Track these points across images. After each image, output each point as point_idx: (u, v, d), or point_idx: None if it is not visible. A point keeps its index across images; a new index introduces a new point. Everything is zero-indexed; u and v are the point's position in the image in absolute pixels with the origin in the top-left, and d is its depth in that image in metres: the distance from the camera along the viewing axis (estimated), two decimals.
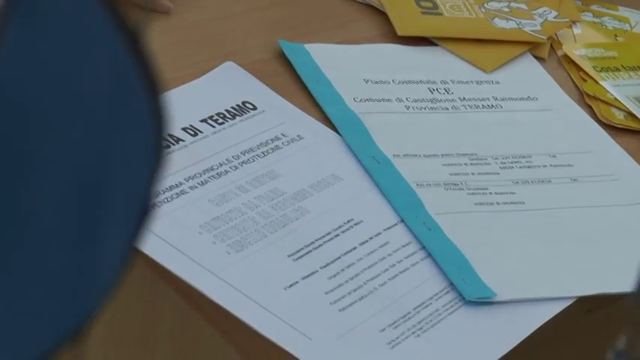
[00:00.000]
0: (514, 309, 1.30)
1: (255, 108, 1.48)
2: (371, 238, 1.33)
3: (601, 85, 1.68)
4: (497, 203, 1.44)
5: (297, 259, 1.28)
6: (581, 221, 1.47)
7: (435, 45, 1.69)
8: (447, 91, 1.61)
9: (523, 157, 1.52)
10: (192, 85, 1.49)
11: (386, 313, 1.25)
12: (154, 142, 0.47)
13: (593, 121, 1.63)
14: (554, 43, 1.75)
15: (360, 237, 1.33)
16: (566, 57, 1.73)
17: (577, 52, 1.74)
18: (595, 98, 1.66)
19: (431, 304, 1.27)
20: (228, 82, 1.51)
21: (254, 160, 1.40)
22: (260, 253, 1.28)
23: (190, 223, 1.29)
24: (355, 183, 1.41)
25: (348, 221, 1.35)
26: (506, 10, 1.77)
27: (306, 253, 1.29)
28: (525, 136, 1.56)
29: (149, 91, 0.44)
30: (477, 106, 1.59)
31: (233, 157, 1.39)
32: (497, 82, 1.65)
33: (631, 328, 0.70)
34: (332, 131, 1.48)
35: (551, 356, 1.43)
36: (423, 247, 1.34)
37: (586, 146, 1.58)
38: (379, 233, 1.34)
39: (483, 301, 1.29)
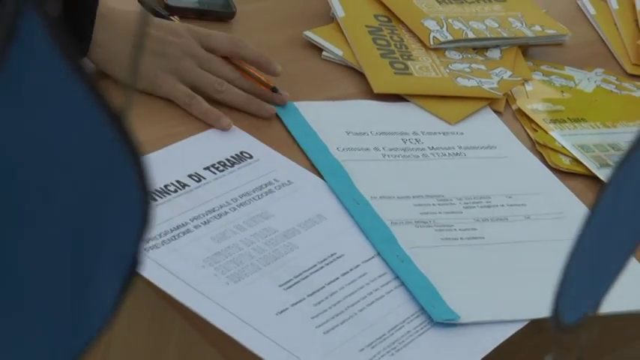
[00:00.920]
0: (476, 329, 1.29)
1: (251, 157, 1.47)
2: (351, 270, 1.33)
3: (550, 135, 1.68)
4: (461, 238, 1.43)
5: (287, 288, 1.28)
6: (533, 253, 1.47)
7: (407, 101, 1.69)
8: (417, 140, 1.60)
9: (483, 197, 1.52)
10: (197, 138, 1.48)
11: (364, 334, 1.24)
12: (140, 207, 0.46)
13: (544, 166, 1.62)
14: (509, 99, 1.75)
15: (341, 269, 1.33)
16: (519, 110, 1.72)
17: (529, 106, 1.73)
18: (545, 146, 1.66)
19: (403, 326, 1.27)
20: (228, 135, 1.50)
21: (250, 203, 1.39)
22: (255, 284, 1.27)
23: (194, 258, 1.28)
24: (338, 221, 1.41)
25: (332, 255, 1.34)
26: (467, 70, 1.77)
27: (295, 283, 1.29)
28: (485, 180, 1.56)
29: (133, 161, 0.43)
30: (444, 154, 1.59)
31: (232, 199, 1.39)
32: (461, 133, 1.64)
33: (556, 348, 0.70)
34: (317, 177, 1.48)
35: None
36: (397, 277, 1.33)
37: (538, 188, 1.58)
38: (358, 265, 1.34)
39: (449, 322, 1.28)
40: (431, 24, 1.84)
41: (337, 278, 1.31)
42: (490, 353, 1.26)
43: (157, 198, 1.35)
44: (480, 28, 1.86)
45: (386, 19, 1.85)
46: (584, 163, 1.64)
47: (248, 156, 1.47)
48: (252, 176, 1.44)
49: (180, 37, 1.55)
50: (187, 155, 1.45)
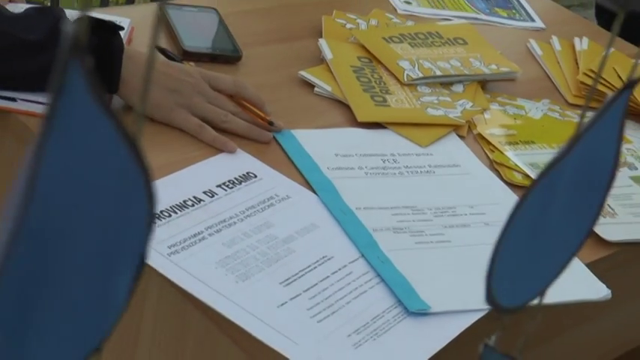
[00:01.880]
0: (445, 317, 1.29)
1: (255, 176, 1.47)
2: (339, 269, 1.33)
3: (505, 155, 1.68)
4: (431, 242, 1.43)
5: (286, 285, 1.28)
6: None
7: (385, 128, 1.69)
8: (394, 161, 1.60)
9: (450, 208, 1.52)
10: (210, 161, 1.48)
11: (351, 323, 1.25)
12: (149, 219, 0.45)
13: (500, 181, 1.62)
14: (471, 125, 1.75)
15: (331, 268, 1.33)
16: (479, 135, 1.73)
17: (487, 131, 1.73)
18: (501, 164, 1.66)
19: (384, 316, 1.27)
20: (235, 158, 1.51)
21: (255, 214, 1.39)
22: (259, 282, 1.28)
23: (209, 261, 1.28)
24: (328, 229, 1.41)
25: (323, 257, 1.35)
26: (435, 102, 1.77)
27: (293, 281, 1.29)
28: (451, 193, 1.56)
29: (146, 187, 0.43)
30: (416, 172, 1.59)
31: (239, 212, 1.39)
32: (431, 154, 1.64)
33: (499, 330, 0.70)
34: (311, 192, 1.48)
35: (473, 353, 1.42)
36: (378, 275, 1.34)
37: (495, 199, 1.58)
38: (345, 265, 1.34)
39: (422, 312, 1.28)
40: (405, 64, 1.84)
41: (328, 276, 1.31)
42: (457, 337, 1.27)
43: (177, 211, 1.35)
44: (446, 67, 1.86)
45: (367, 60, 1.85)
46: (534, 178, 1.63)
47: (253, 175, 1.47)
48: (256, 192, 1.44)
49: (192, 77, 1.55)
50: (202, 175, 1.45)
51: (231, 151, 1.50)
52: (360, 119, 1.68)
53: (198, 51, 1.75)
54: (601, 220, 1.56)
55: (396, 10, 2.13)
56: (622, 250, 1.53)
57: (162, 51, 1.60)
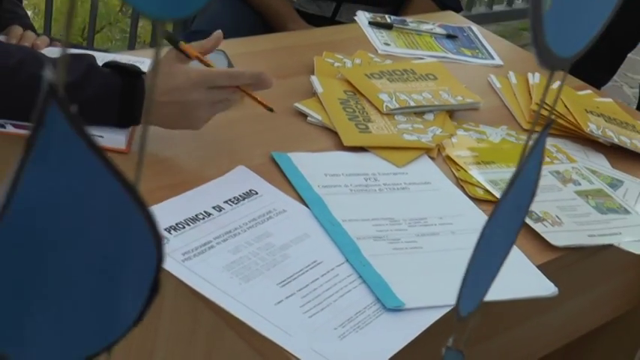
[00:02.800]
0: (417, 312, 1.30)
1: (257, 193, 1.47)
2: (328, 272, 1.34)
3: (469, 173, 1.68)
4: (406, 248, 1.43)
5: (283, 286, 1.29)
6: (457, 258, 1.42)
7: (367, 151, 1.69)
8: (375, 179, 1.60)
9: (422, 219, 1.51)
10: (219, 180, 1.48)
11: (337, 317, 1.25)
12: (154, 246, 0.44)
13: (465, 196, 1.62)
14: (440, 148, 1.74)
15: (321, 271, 1.33)
16: (447, 156, 1.72)
17: (454, 153, 1.73)
18: (465, 181, 1.66)
19: (365, 311, 1.28)
20: (241, 178, 1.50)
21: (256, 226, 1.39)
22: (260, 283, 1.28)
23: (217, 266, 1.29)
24: (318, 238, 1.41)
25: (314, 262, 1.35)
26: (410, 128, 1.77)
27: (288, 282, 1.29)
28: (423, 206, 1.55)
29: (141, 212, 0.42)
30: (394, 188, 1.59)
31: (243, 224, 1.39)
32: (406, 173, 1.64)
33: (456, 333, 0.70)
34: (304, 206, 1.48)
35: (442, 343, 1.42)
36: (360, 277, 1.34)
37: (460, 211, 1.58)
38: (333, 269, 1.34)
39: (397, 308, 1.28)
40: (384, 96, 1.84)
41: (317, 278, 1.31)
42: (428, 328, 1.27)
43: (190, 224, 1.35)
44: (419, 98, 1.86)
45: (352, 94, 1.85)
46: (494, 193, 1.64)
47: (255, 192, 1.47)
48: (257, 207, 1.44)
49: (197, 92, 1.51)
50: (211, 193, 1.44)
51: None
52: (345, 144, 1.68)
53: None
54: (550, 228, 1.57)
55: (376, 50, 2.13)
56: (567, 253, 1.53)
57: (171, 40, 1.58)
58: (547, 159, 1.81)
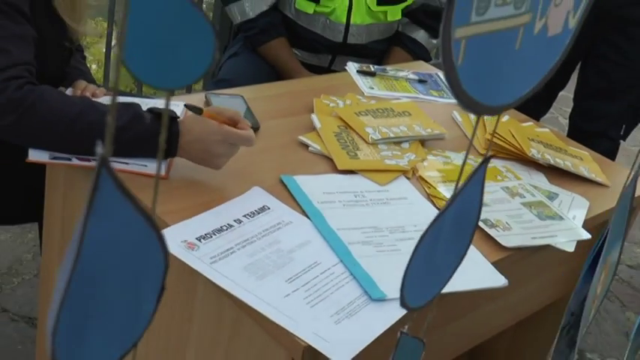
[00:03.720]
0: (396, 302, 1.27)
1: (269, 208, 1.47)
2: (325, 270, 1.33)
3: (438, 190, 1.68)
4: (388, 251, 1.43)
5: (290, 282, 1.28)
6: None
7: (357, 173, 1.68)
8: (363, 196, 1.60)
9: (400, 227, 1.51)
10: (239, 198, 1.48)
11: (333, 306, 1.25)
12: (163, 264, 0.44)
13: (434, 208, 1.62)
14: (414, 170, 1.74)
15: (320, 270, 1.33)
16: (420, 176, 1.72)
17: (425, 174, 1.73)
18: (434, 196, 1.66)
19: (355, 301, 1.28)
20: (256, 196, 1.50)
21: (268, 235, 1.39)
22: (271, 280, 1.28)
23: (237, 267, 1.29)
24: (318, 243, 1.41)
25: (314, 262, 1.35)
26: (390, 155, 1.77)
27: (294, 279, 1.29)
28: (401, 217, 1.55)
29: (161, 245, 0.42)
30: (377, 203, 1.59)
31: (258, 233, 1.39)
32: (387, 190, 1.64)
33: (410, 321, 0.69)
34: (307, 218, 1.47)
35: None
36: (351, 274, 1.33)
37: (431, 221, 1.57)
38: (329, 268, 1.34)
39: (381, 299, 1.28)
40: (369, 130, 1.83)
41: (317, 276, 1.31)
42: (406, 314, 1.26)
43: (216, 234, 1.35)
44: (397, 131, 1.86)
45: (344, 128, 1.85)
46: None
47: (267, 208, 1.47)
48: (269, 219, 1.43)
49: (223, 144, 1.51)
50: (232, 209, 1.44)
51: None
52: (339, 168, 1.68)
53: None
54: (501, 232, 1.57)
55: (363, 93, 2.13)
56: (515, 252, 1.53)
57: (189, 107, 1.58)
58: (498, 177, 1.81)
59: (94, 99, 1.59)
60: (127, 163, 1.48)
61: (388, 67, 2.36)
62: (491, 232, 1.57)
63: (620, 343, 2.95)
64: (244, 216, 1.42)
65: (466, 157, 0.62)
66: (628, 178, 0.73)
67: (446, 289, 1.32)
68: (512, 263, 1.53)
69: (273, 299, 1.23)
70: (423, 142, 1.90)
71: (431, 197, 1.66)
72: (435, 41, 2.74)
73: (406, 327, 0.64)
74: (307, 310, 1.23)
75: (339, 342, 1.18)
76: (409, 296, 0.57)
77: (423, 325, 0.68)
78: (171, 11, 0.36)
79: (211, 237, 1.34)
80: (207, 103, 1.84)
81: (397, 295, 1.28)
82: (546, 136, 2.06)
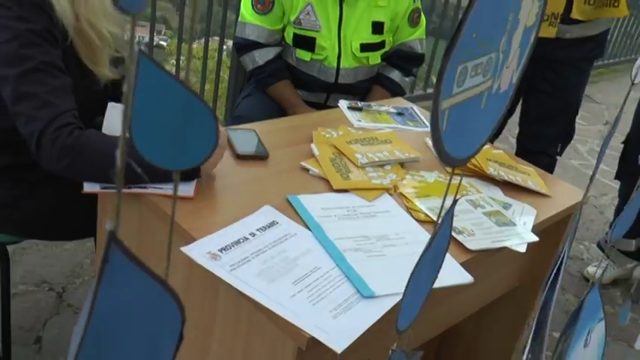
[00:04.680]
0: (383, 297, 1.26)
1: (277, 223, 1.43)
2: (324, 274, 1.30)
3: (415, 204, 1.65)
4: (376, 255, 1.40)
5: (295, 284, 1.25)
6: (410, 261, 1.41)
7: (349, 191, 1.65)
8: (354, 210, 1.57)
9: (385, 235, 1.48)
10: (253, 215, 1.45)
11: (332, 303, 1.22)
12: (180, 319, 0.40)
13: (412, 219, 1.59)
14: (395, 188, 1.72)
15: (320, 273, 1.30)
16: (400, 193, 1.69)
17: (405, 191, 1.71)
18: (412, 209, 1.63)
19: (349, 299, 1.25)
20: (266, 213, 1.47)
21: (277, 245, 1.35)
22: (280, 282, 1.25)
23: (252, 273, 1.25)
24: (318, 251, 1.37)
25: (315, 267, 1.31)
26: (376, 176, 1.74)
27: (299, 282, 1.26)
28: (386, 227, 1.52)
29: (175, 298, 0.39)
30: (366, 216, 1.56)
31: (269, 244, 1.35)
32: (374, 205, 1.61)
33: (397, 343, 0.65)
34: (308, 230, 1.44)
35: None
36: (346, 276, 1.30)
37: (410, 229, 1.55)
38: (327, 271, 1.31)
39: (370, 296, 1.25)
40: (359, 155, 1.80)
41: (318, 278, 1.28)
42: (392, 308, 1.24)
43: (234, 246, 1.31)
44: (381, 156, 1.83)
45: (338, 154, 1.82)
46: (431, 216, 1.60)
47: (276, 222, 1.43)
48: (278, 232, 1.40)
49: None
50: (247, 224, 1.41)
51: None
52: (334, 187, 1.65)
53: (245, 153, 1.72)
54: (467, 238, 1.54)
55: (353, 125, 2.10)
56: (479, 254, 1.51)
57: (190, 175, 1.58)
58: (464, 192, 1.78)
59: None
60: (145, 187, 1.44)
61: (372, 103, 2.33)
62: (459, 237, 1.54)
63: (561, 319, 2.91)
64: (257, 230, 1.39)
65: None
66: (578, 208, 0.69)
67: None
68: (476, 263, 1.50)
69: (282, 299, 1.20)
70: (402, 164, 1.88)
71: (409, 210, 1.63)
72: (407, 79, 2.74)
73: (395, 345, 0.60)
74: (310, 307, 1.20)
75: (336, 333, 1.15)
76: (402, 321, 0.53)
77: (405, 340, 0.64)
78: (175, 99, 0.33)
79: (230, 248, 1.31)
80: (227, 137, 1.81)
81: (384, 292, 1.26)
82: (501, 157, 2.03)
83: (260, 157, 1.74)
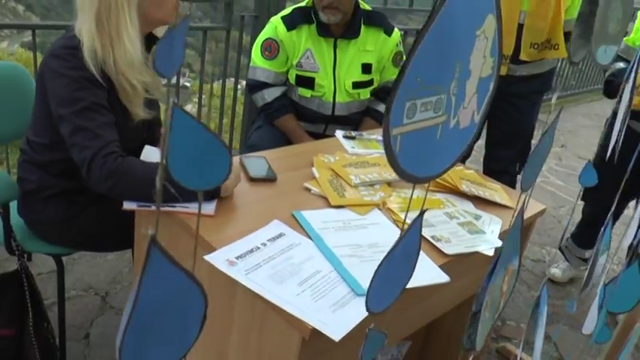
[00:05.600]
0: None
1: (285, 234, 1.45)
2: (324, 276, 1.31)
3: (400, 216, 1.66)
4: (368, 261, 1.41)
5: (300, 285, 1.27)
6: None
7: (345, 207, 1.66)
8: (349, 223, 1.58)
9: (375, 244, 1.49)
10: (264, 228, 1.46)
11: (331, 301, 1.24)
12: (204, 305, 0.42)
13: (398, 230, 1.59)
14: (384, 203, 1.73)
15: (320, 275, 1.31)
16: (388, 208, 1.70)
17: (392, 206, 1.72)
18: (398, 221, 1.64)
19: (346, 296, 1.26)
20: (275, 227, 1.48)
21: (284, 253, 1.37)
22: (287, 284, 1.26)
23: (263, 276, 1.27)
24: (318, 258, 1.38)
25: (316, 271, 1.33)
26: (367, 194, 1.76)
27: (303, 283, 1.28)
28: (376, 237, 1.53)
29: (200, 288, 0.41)
30: (359, 227, 1.57)
31: (277, 252, 1.36)
32: (366, 218, 1.62)
33: (374, 323, 0.66)
34: (310, 240, 1.45)
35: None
36: (342, 278, 1.31)
37: (396, 238, 1.55)
38: (327, 274, 1.32)
39: (363, 294, 1.26)
40: (353, 177, 1.82)
41: (319, 280, 1.29)
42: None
43: (248, 254, 1.33)
44: (371, 177, 1.85)
45: (335, 176, 1.84)
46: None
47: (283, 234, 1.45)
48: (285, 242, 1.41)
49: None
50: (259, 236, 1.42)
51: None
52: (332, 204, 1.67)
53: (257, 177, 1.74)
54: (444, 244, 1.56)
55: (347, 151, 2.13)
56: (454, 258, 1.52)
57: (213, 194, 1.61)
58: (442, 206, 1.80)
59: None
60: (174, 206, 1.46)
61: (364, 132, 2.35)
62: (437, 244, 1.55)
63: (528, 313, 2.92)
64: (267, 240, 1.41)
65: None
66: (517, 206, 0.71)
67: (408, 285, 1.31)
68: (452, 265, 1.51)
69: (289, 297, 1.22)
70: (389, 183, 1.89)
71: (395, 221, 1.65)
72: None
73: (372, 325, 0.62)
74: (312, 303, 1.22)
75: (335, 325, 1.17)
76: (372, 304, 0.56)
77: (386, 320, 0.66)
78: (199, 138, 0.36)
79: (245, 256, 1.33)
80: (242, 163, 1.83)
81: None
82: (472, 176, 2.05)
83: (270, 179, 1.76)
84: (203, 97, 3.54)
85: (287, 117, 2.61)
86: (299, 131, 2.61)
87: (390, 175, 1.91)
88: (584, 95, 7.31)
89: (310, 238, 1.46)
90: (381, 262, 0.54)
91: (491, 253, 1.58)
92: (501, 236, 1.67)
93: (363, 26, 2.55)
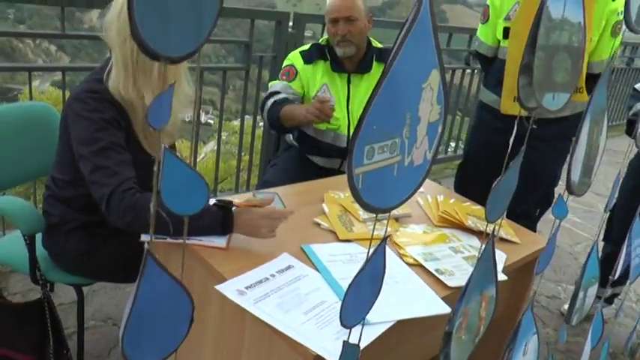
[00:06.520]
0: (377, 325, 1.30)
1: (293, 267, 1.49)
2: (329, 306, 1.35)
3: (406, 250, 1.70)
4: None
5: (305, 314, 1.31)
6: (399, 295, 1.46)
7: (352, 241, 1.70)
8: (356, 256, 1.62)
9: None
10: (273, 261, 1.51)
11: (334, 329, 1.27)
12: (191, 310, 0.47)
13: (403, 263, 1.64)
14: (391, 238, 1.77)
15: (326, 305, 1.35)
16: (394, 242, 1.75)
17: (398, 240, 1.76)
18: (404, 255, 1.68)
19: None
20: (284, 259, 1.52)
21: (292, 284, 1.41)
22: (294, 313, 1.30)
23: (272, 305, 1.31)
24: (324, 288, 1.42)
25: (321, 301, 1.37)
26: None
27: (309, 312, 1.32)
28: None
29: (188, 300, 0.46)
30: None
31: (284, 283, 1.41)
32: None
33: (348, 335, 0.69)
34: (318, 272, 1.49)
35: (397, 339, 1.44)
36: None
37: (400, 271, 1.59)
38: (332, 304, 1.36)
39: (366, 323, 1.28)
40: (360, 212, 1.87)
41: (324, 309, 1.33)
42: (381, 335, 1.28)
43: (257, 285, 1.37)
44: None
45: (344, 211, 1.89)
46: (420, 261, 1.66)
47: (292, 266, 1.49)
48: (293, 273, 1.46)
49: (264, 219, 1.57)
50: (269, 267, 1.46)
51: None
52: (340, 238, 1.71)
53: None
54: (448, 277, 1.59)
55: None
56: (456, 290, 1.55)
57: (219, 201, 1.62)
58: (447, 240, 1.84)
59: None
60: (189, 239, 1.52)
61: None
62: (441, 277, 1.59)
63: (543, 350, 2.91)
64: (276, 272, 1.45)
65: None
66: (488, 236, 0.77)
67: (410, 315, 1.34)
68: (455, 297, 1.54)
69: (295, 325, 1.26)
70: (396, 219, 1.95)
71: (401, 255, 1.69)
72: None
73: (348, 337, 0.68)
74: (317, 331, 1.25)
75: (338, 352, 1.19)
76: (346, 320, 0.62)
77: (359, 339, 0.72)
78: (184, 174, 0.44)
79: (255, 286, 1.37)
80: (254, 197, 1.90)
81: (377, 320, 1.31)
82: (478, 212, 2.10)
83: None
84: (225, 134, 3.64)
85: (285, 106, 2.54)
86: (298, 109, 2.49)
87: (397, 210, 1.96)
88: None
89: (317, 270, 1.51)
90: (350, 284, 0.61)
91: None
92: (506, 270, 1.71)
93: (375, 62, 2.64)
